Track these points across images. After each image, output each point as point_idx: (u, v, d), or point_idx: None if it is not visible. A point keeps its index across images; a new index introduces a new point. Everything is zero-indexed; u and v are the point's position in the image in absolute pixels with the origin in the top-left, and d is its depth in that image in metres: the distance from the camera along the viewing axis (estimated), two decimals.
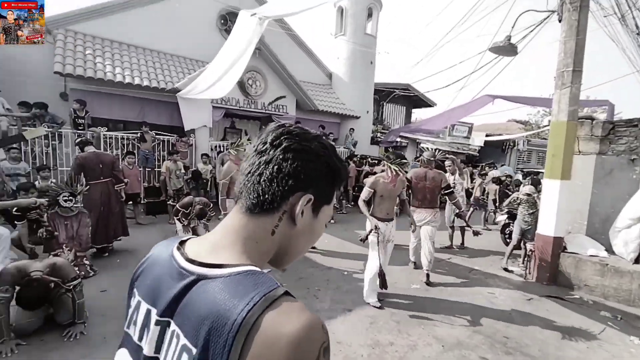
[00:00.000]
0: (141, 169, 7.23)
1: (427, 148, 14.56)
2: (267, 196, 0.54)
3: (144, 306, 0.55)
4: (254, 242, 0.55)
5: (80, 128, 6.83)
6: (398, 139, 13.49)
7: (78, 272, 3.42)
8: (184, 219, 4.56)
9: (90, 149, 4.57)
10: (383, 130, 14.79)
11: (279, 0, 5.83)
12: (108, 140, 7.17)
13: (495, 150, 18.49)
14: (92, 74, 7.03)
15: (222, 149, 8.53)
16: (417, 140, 13.62)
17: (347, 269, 4.54)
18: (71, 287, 2.68)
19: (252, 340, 0.42)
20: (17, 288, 2.56)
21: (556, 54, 4.17)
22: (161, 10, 8.86)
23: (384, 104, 15.88)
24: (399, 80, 15.36)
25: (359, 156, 9.94)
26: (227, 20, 10.06)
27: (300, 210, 0.55)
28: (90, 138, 6.30)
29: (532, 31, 4.83)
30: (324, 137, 0.60)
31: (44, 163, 6.20)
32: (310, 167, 0.55)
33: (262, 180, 0.54)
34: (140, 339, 0.54)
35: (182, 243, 0.59)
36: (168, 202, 6.56)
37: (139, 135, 7.47)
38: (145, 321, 0.54)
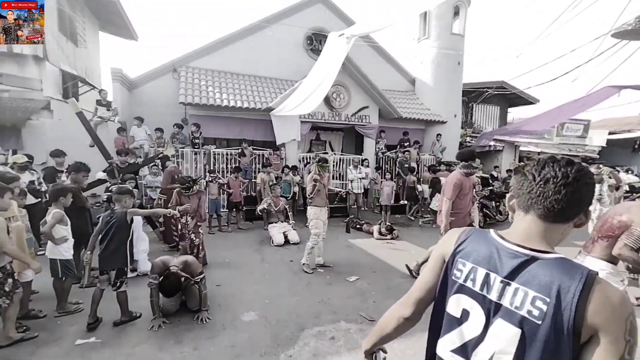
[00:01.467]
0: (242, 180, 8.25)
1: (528, 152, 12.85)
2: (568, 214, 0.82)
3: (482, 270, 0.87)
4: (552, 239, 0.85)
5: (195, 147, 8.18)
6: (492, 143, 12.25)
7: (194, 237, 4.58)
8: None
9: (170, 164, 6.07)
10: (473, 134, 13.63)
11: (365, 18, 6.04)
12: (216, 156, 8.40)
13: (623, 151, 15.19)
14: (205, 101, 8.39)
15: (308, 160, 9.12)
16: (516, 143, 12.13)
17: None
18: (198, 280, 3.26)
19: (593, 294, 0.73)
20: (161, 278, 3.24)
21: None
22: (256, 40, 10.09)
23: (474, 105, 14.65)
24: (491, 79, 14.00)
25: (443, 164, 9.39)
26: (313, 40, 10.81)
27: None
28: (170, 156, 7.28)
29: None
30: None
31: None
32: (592, 192, 0.84)
33: (566, 203, 0.81)
34: (481, 289, 0.86)
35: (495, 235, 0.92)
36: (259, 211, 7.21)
37: (240, 150, 8.54)
38: (486, 279, 0.86)
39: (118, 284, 3.10)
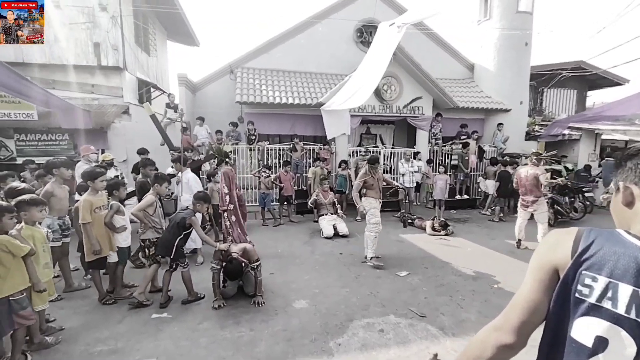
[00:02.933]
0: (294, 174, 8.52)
1: (612, 141, 11.15)
2: None
3: (626, 287, 0.69)
4: None
5: (251, 143, 8.65)
6: (566, 132, 10.85)
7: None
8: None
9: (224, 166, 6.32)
10: (543, 122, 12.22)
11: (418, 4, 5.78)
12: (269, 152, 8.78)
13: None
14: (260, 99, 8.81)
15: (357, 154, 9.08)
16: (597, 131, 10.59)
17: (496, 282, 4.07)
18: (255, 266, 3.49)
19: None
20: (224, 263, 3.53)
21: None
22: (306, 37, 10.26)
23: (544, 90, 13.13)
24: (566, 59, 12.41)
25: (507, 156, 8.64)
26: (363, 32, 10.65)
27: None
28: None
29: None
30: None
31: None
32: None
33: None
34: (628, 312, 0.68)
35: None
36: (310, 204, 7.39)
37: (291, 146, 8.82)
38: (635, 299, 0.68)
39: (174, 266, 3.50)
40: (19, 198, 2.76)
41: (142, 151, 6.23)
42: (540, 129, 11.59)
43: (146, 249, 3.67)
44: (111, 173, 5.46)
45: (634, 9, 5.87)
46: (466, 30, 11.62)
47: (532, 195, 5.28)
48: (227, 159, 5.00)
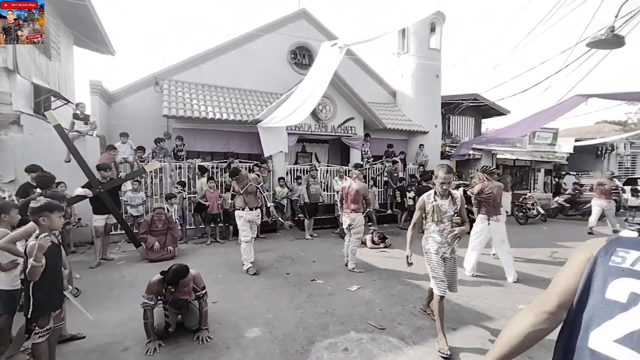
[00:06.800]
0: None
1: (504, 159, 13.44)
2: None
3: None
4: None
5: (179, 160, 7.89)
6: (470, 152, 12.71)
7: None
8: None
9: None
10: (452, 144, 14.11)
11: (347, 34, 6.15)
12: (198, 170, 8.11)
13: (587, 157, 16.26)
14: (190, 114, 8.18)
15: (296, 172, 9.04)
16: (493, 152, 12.66)
17: None
18: (201, 295, 3.05)
19: None
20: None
21: None
22: (240, 54, 10.09)
23: (451, 116, 15.26)
24: (465, 92, 14.72)
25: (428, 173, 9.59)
26: (297, 54, 10.94)
27: None
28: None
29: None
30: None
31: (154, 192, 7.35)
32: None
33: None
34: None
35: None
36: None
37: (226, 164, 8.33)
38: None
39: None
40: None
41: (32, 169, 5.04)
42: (450, 149, 13.35)
43: None
44: None
45: (524, 47, 7.32)
46: (388, 61, 12.87)
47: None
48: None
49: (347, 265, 5.18)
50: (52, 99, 8.56)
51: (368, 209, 6.09)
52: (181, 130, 8.38)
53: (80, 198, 5.24)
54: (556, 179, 14.49)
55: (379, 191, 10.02)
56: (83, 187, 5.24)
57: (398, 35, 11.86)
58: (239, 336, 3.09)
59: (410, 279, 4.66)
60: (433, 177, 5.90)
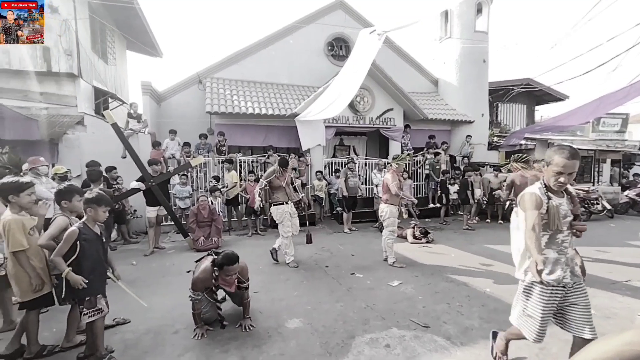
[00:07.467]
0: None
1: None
2: None
3: None
4: None
5: (221, 154, 8.21)
6: (522, 142, 11.72)
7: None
8: None
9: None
10: (501, 134, 13.12)
11: (385, 21, 5.92)
12: (241, 164, 8.39)
13: None
14: (231, 110, 8.46)
15: (334, 166, 8.98)
16: (549, 141, 11.55)
17: (487, 286, 4.05)
18: (246, 287, 3.13)
19: None
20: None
21: None
22: (278, 49, 10.18)
23: (499, 104, 14.17)
24: (516, 77, 13.55)
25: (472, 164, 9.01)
26: (334, 46, 10.81)
27: None
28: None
29: None
30: None
31: (199, 186, 7.75)
32: None
33: None
34: None
35: None
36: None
37: (265, 157, 8.51)
38: None
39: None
40: None
41: (92, 164, 5.54)
42: (499, 139, 12.42)
43: None
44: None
45: (582, 27, 6.54)
46: (429, 47, 12.24)
47: None
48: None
49: (386, 260, 5.05)
50: (110, 100, 9.34)
51: (405, 201, 5.81)
52: (223, 125, 8.71)
53: (135, 191, 5.65)
54: (626, 171, 12.92)
55: (416, 184, 9.65)
56: (137, 180, 5.65)
57: (440, 19, 11.20)
58: (279, 326, 3.13)
59: (455, 275, 4.43)
60: (535, 163, 5.35)
